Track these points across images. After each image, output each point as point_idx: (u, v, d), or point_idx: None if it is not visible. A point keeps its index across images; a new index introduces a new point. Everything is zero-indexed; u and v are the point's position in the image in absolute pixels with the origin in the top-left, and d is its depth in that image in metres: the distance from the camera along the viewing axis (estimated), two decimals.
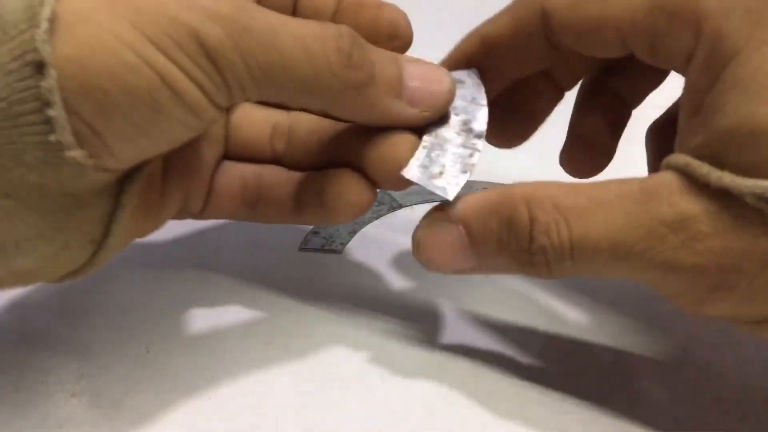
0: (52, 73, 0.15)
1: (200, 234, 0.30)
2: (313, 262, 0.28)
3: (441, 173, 0.20)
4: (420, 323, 0.24)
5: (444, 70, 0.22)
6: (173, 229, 0.30)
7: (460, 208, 0.20)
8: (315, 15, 0.22)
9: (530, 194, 0.19)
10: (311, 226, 0.30)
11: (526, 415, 0.20)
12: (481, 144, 0.21)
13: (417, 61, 0.22)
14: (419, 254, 0.21)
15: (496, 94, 0.24)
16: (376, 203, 0.32)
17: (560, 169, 0.36)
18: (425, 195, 0.33)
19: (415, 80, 0.21)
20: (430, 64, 0.22)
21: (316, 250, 0.29)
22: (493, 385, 0.21)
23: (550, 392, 0.21)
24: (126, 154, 0.18)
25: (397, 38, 0.22)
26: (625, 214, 0.18)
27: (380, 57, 0.20)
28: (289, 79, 0.19)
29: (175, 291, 0.26)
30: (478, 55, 0.23)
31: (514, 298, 0.26)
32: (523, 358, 0.22)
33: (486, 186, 0.34)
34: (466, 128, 0.21)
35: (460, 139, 0.21)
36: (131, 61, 0.16)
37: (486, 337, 0.23)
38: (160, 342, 0.23)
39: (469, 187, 0.34)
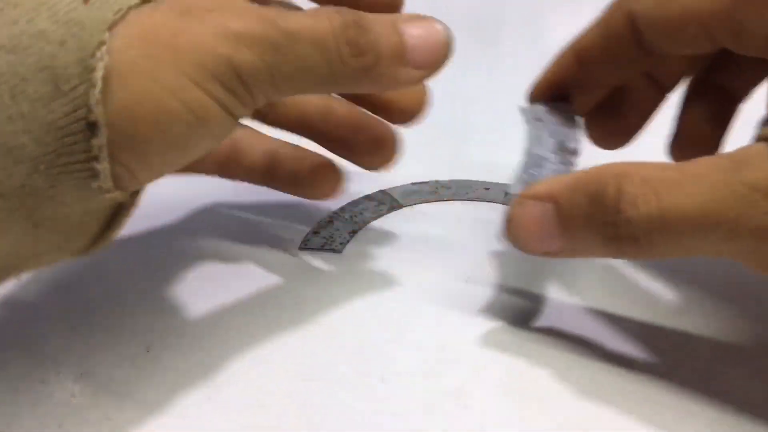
0: (103, 131, 0.16)
1: (200, 234, 0.30)
2: (313, 262, 0.28)
3: None
4: (420, 323, 0.24)
5: (439, 23, 0.22)
6: (173, 229, 0.30)
7: (550, 185, 0.21)
8: None
9: (620, 170, 0.19)
10: (311, 226, 0.30)
11: (525, 416, 0.20)
12: (577, 161, 0.22)
13: (413, 19, 0.22)
14: (509, 232, 0.21)
15: (597, 103, 0.26)
16: (376, 203, 0.32)
17: None
18: (425, 195, 0.33)
19: (416, 45, 0.21)
20: (425, 19, 0.22)
21: (316, 249, 0.29)
22: (495, 385, 0.21)
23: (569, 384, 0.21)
24: (152, 179, 0.19)
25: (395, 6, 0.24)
26: (716, 183, 0.18)
27: (381, 28, 0.21)
28: (308, 79, 0.19)
29: (175, 291, 0.26)
30: (573, 69, 0.24)
31: (518, 297, 0.26)
32: (533, 358, 0.23)
33: (487, 186, 0.34)
34: (562, 147, 0.22)
35: (557, 157, 0.22)
36: (173, 107, 0.17)
37: (489, 337, 0.23)
38: (160, 342, 0.23)
39: (469, 186, 0.34)
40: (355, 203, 0.32)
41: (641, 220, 0.18)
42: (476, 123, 0.44)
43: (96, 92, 0.16)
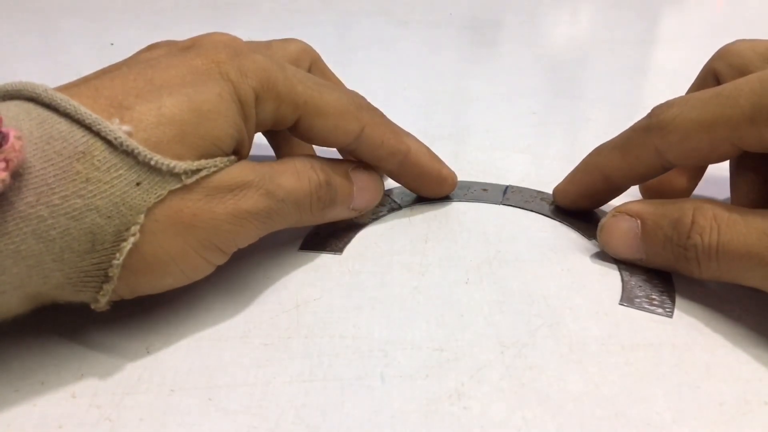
0: (114, 281, 0.21)
1: None
2: (313, 262, 0.28)
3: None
4: (420, 323, 0.24)
5: (379, 180, 0.29)
6: None
7: (641, 206, 0.26)
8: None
9: (699, 205, 0.24)
10: (311, 227, 0.30)
11: (526, 416, 0.20)
12: None
13: (361, 171, 0.28)
14: (601, 236, 0.27)
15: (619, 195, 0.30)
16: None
17: (555, 168, 0.36)
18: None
19: (361, 193, 0.28)
20: (371, 174, 0.29)
21: (316, 250, 0.29)
22: (495, 385, 0.21)
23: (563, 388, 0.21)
24: (134, 296, 0.23)
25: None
26: (759, 231, 0.22)
27: (341, 181, 0.27)
28: (280, 225, 0.25)
29: (174, 291, 0.26)
30: (598, 183, 0.29)
31: (517, 297, 0.26)
32: (532, 358, 0.23)
33: (485, 187, 0.34)
34: None
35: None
36: (171, 269, 0.22)
37: (488, 337, 0.23)
38: (160, 342, 0.23)
39: (468, 187, 0.34)
40: None
41: (703, 248, 0.23)
42: (475, 123, 0.44)
43: (120, 258, 0.20)
